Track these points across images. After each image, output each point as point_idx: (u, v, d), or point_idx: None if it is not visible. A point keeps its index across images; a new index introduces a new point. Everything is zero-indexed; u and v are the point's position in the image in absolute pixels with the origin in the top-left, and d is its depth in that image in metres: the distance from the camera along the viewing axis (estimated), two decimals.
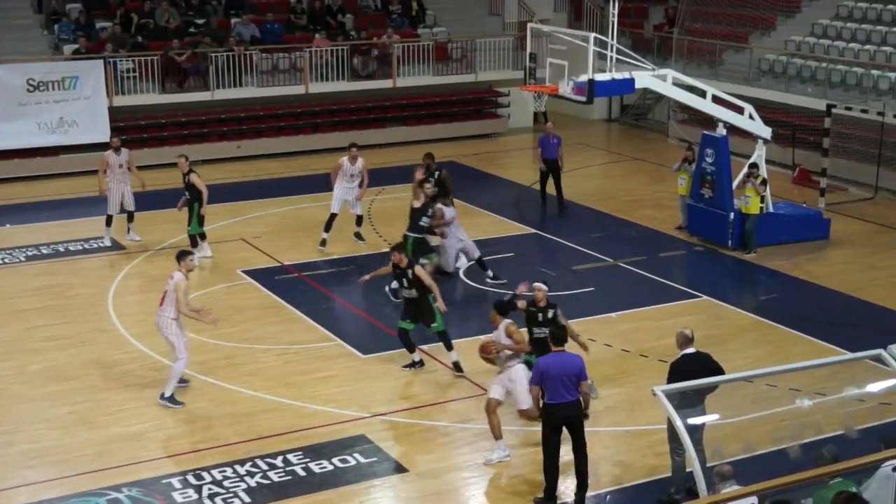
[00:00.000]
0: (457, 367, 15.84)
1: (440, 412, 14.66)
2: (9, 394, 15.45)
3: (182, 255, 15.21)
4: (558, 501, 12.36)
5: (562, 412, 12.08)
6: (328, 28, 31.15)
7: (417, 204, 18.69)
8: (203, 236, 20.72)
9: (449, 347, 15.89)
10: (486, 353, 13.76)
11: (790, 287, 19.74)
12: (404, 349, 15.98)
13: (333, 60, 30.04)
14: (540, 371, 12.12)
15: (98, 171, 21.93)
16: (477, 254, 19.70)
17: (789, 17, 31.62)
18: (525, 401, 13.15)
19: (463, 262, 20.15)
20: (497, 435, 13.28)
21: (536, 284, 14.42)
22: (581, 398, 12.30)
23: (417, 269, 15.72)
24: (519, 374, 13.31)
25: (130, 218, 21.88)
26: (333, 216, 21.12)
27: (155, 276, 19.72)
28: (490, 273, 19.55)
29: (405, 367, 16.01)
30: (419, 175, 19.44)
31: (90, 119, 27.25)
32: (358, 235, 21.60)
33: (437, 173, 20.18)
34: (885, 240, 22.48)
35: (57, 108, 27.08)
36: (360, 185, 21.13)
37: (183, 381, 15.28)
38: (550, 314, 14.10)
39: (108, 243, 21.74)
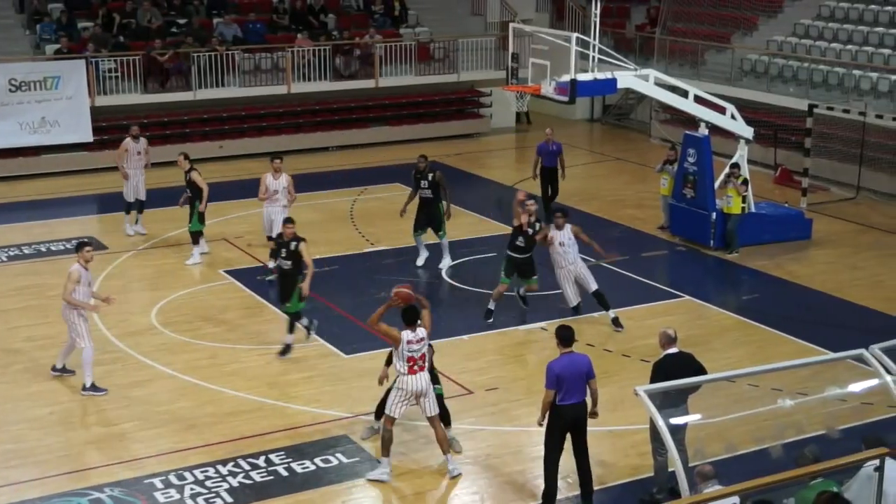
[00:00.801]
0: (286, 349, 16.39)
1: (421, 412, 14.64)
2: None
3: (79, 247, 15.43)
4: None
5: (572, 413, 12.01)
6: (310, 28, 31.11)
7: (516, 223, 17.50)
8: (201, 234, 20.79)
9: (290, 330, 16.41)
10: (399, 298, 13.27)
11: (772, 287, 19.79)
12: (385, 349, 15.96)
13: (316, 60, 30.02)
14: (556, 374, 11.93)
15: (117, 157, 22.75)
16: (593, 287, 17.69)
17: (771, 17, 31.73)
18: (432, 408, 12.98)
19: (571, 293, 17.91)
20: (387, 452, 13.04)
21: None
22: (590, 397, 12.17)
23: (301, 245, 16.29)
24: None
25: (140, 209, 22.36)
26: (270, 239, 19.00)
27: (137, 275, 19.74)
28: (613, 317, 17.54)
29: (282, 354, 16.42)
30: (521, 196, 17.83)
31: (72, 119, 27.17)
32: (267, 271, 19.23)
33: (430, 175, 19.87)
34: (866, 240, 22.57)
35: (39, 108, 27.00)
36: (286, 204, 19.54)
37: (101, 388, 15.25)
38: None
39: (130, 233, 22.28)
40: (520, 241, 17.45)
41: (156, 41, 28.69)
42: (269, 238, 19.09)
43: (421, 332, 12.87)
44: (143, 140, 22.59)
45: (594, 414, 12.27)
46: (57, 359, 15.79)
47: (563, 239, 17.49)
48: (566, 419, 12.05)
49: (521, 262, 17.51)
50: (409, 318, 12.80)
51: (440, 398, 13.43)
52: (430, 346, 13.09)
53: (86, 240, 16.95)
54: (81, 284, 15.11)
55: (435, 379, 13.43)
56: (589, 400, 12.17)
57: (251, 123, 29.81)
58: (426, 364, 12.91)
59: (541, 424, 12.24)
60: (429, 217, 20.04)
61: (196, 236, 20.58)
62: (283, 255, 16.37)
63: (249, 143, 29.31)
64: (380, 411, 13.52)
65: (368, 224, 22.62)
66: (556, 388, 11.95)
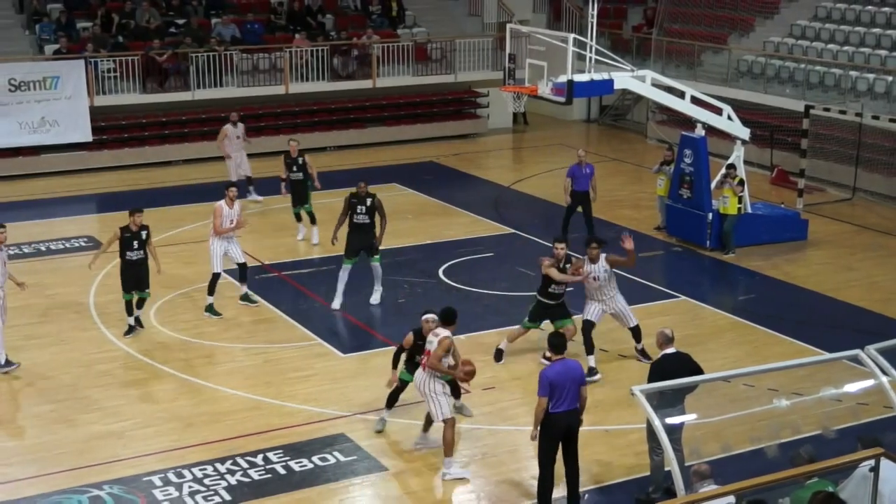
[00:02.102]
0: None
1: (419, 411, 14.63)
2: None
3: None
4: None
5: (566, 420, 11.89)
6: (308, 28, 31.13)
7: (544, 272, 15.88)
8: (302, 215, 21.96)
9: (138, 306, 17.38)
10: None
11: (768, 287, 19.81)
12: (382, 348, 16.00)
13: (313, 61, 30.04)
14: (549, 381, 11.78)
15: (217, 141, 24.66)
16: (632, 323, 16.35)
17: (768, 18, 31.74)
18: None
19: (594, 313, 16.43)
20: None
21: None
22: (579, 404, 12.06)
23: (377, 199, 17.73)
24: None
25: (250, 181, 24.39)
26: (217, 276, 18.31)
27: None
28: (640, 347, 16.39)
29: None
30: (545, 262, 15.95)
31: (71, 119, 27.19)
32: (246, 297, 18.69)
33: (368, 200, 18.20)
34: (862, 241, 22.59)
35: (38, 107, 27.03)
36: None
37: (10, 363, 15.85)
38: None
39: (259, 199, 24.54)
40: (553, 289, 15.87)
41: (154, 41, 28.72)
42: (217, 275, 18.16)
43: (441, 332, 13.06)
44: (241, 125, 24.56)
45: (580, 420, 12.19)
46: None
47: (598, 273, 15.76)
48: (559, 427, 11.92)
49: (554, 307, 16.01)
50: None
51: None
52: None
53: None
54: None
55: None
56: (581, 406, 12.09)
57: (249, 123, 29.59)
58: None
59: (533, 438, 12.06)
60: (362, 242, 18.31)
61: (313, 216, 21.74)
62: (362, 211, 17.88)
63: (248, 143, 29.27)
64: (391, 401, 13.84)
65: None
66: (548, 396, 11.83)
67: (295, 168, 21.52)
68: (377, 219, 18.15)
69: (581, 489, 12.53)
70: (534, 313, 16.10)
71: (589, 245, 15.96)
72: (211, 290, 18.13)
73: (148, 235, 17.27)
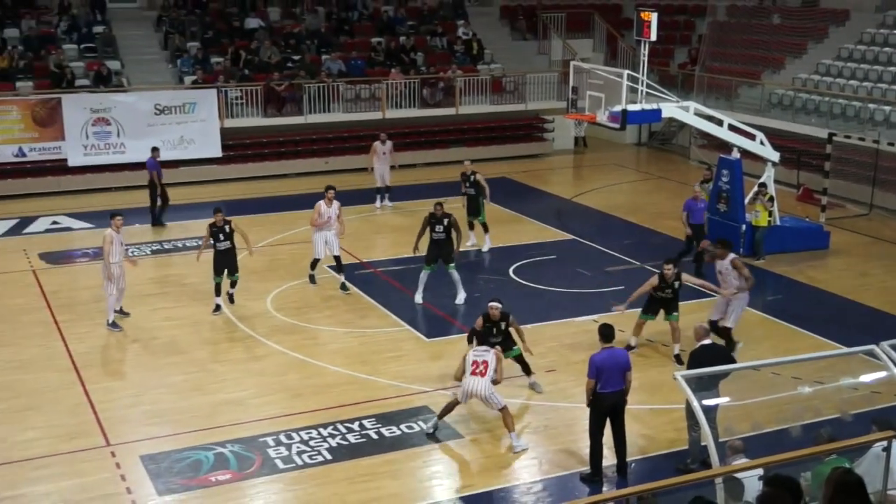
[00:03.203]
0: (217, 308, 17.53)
1: (478, 402, 14.60)
2: (135, 364, 15.66)
3: (112, 216, 16.84)
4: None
5: (611, 399, 11.88)
6: (402, 64, 31.19)
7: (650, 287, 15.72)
8: (475, 225, 21.67)
9: (232, 286, 17.84)
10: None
11: (794, 289, 19.43)
12: (460, 335, 15.97)
13: (406, 91, 30.09)
14: (596, 366, 11.82)
15: (369, 156, 25.24)
16: (728, 324, 15.79)
17: (797, 57, 31.18)
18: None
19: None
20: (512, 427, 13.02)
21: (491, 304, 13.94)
22: (624, 387, 12.01)
23: (234, 222, 17.51)
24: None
25: (387, 191, 25.11)
26: (317, 262, 19.03)
27: (254, 268, 19.85)
28: (737, 345, 15.71)
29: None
30: (667, 271, 15.53)
31: (205, 138, 27.51)
32: (343, 287, 18.80)
33: (445, 219, 17.92)
34: (877, 251, 22.07)
35: (178, 128, 27.33)
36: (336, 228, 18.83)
37: (116, 325, 16.82)
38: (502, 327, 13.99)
39: (378, 205, 24.98)
40: (667, 292, 15.60)
41: (274, 74, 28.95)
42: (317, 260, 18.79)
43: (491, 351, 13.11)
44: (389, 143, 25.04)
45: (625, 401, 12.08)
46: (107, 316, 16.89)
47: (721, 268, 15.70)
48: (605, 405, 11.91)
49: (669, 299, 15.74)
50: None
51: (518, 357, 14.22)
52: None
53: (116, 210, 17.74)
54: (115, 245, 16.49)
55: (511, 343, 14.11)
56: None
57: (352, 143, 29.90)
58: (487, 371, 12.86)
59: (588, 405, 12.07)
60: (440, 253, 18.08)
61: (486, 226, 21.45)
62: (440, 229, 17.84)
63: (351, 159, 29.37)
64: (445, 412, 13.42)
65: None
66: (596, 378, 11.81)
67: (468, 184, 21.35)
68: (453, 234, 18.07)
69: (628, 459, 12.40)
70: (647, 306, 15.87)
71: (717, 244, 16.12)
72: (312, 267, 19.10)
73: (231, 229, 17.63)
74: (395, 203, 25.17)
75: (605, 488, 12.00)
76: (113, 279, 16.66)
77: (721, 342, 14.63)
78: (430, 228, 18.09)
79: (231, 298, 17.95)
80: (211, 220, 17.76)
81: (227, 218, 17.82)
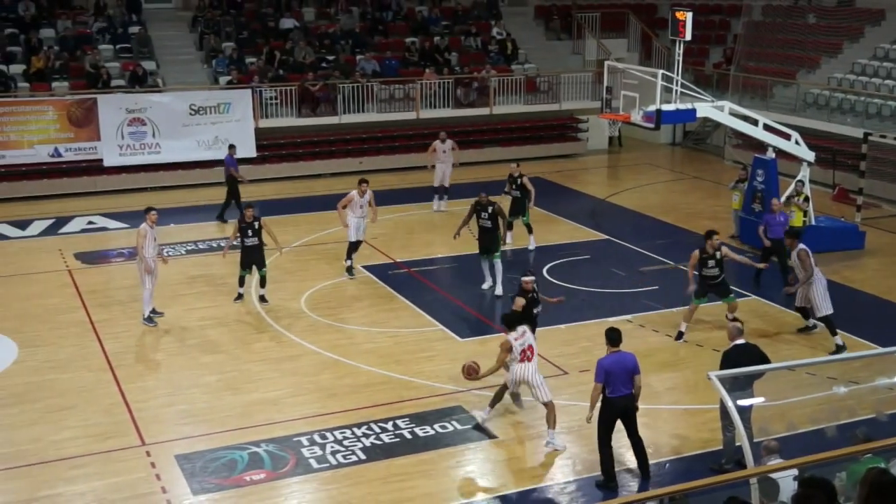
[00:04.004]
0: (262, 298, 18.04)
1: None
2: (170, 363, 15.76)
3: (146, 210, 16.98)
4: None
5: (621, 403, 11.83)
6: (436, 64, 31.23)
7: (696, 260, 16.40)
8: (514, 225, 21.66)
9: (262, 285, 18.18)
10: (470, 375, 13.43)
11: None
12: (493, 335, 15.97)
13: (440, 91, 30.13)
14: (605, 370, 11.80)
15: (428, 155, 25.15)
16: (821, 313, 16.12)
17: (832, 57, 30.92)
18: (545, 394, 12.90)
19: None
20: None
21: None
22: (634, 391, 11.93)
23: (263, 220, 17.83)
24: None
25: (445, 192, 24.77)
26: (354, 245, 19.72)
27: (287, 269, 19.96)
28: (838, 341, 15.88)
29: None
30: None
31: (240, 138, 27.54)
32: (349, 270, 19.67)
33: (490, 207, 18.43)
34: None
35: (213, 128, 27.50)
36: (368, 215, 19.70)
37: (152, 319, 17.06)
38: None
39: (435, 208, 24.86)
40: (711, 266, 16.17)
41: (309, 74, 29.07)
42: (353, 243, 19.60)
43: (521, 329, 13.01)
44: (449, 141, 24.82)
45: (636, 407, 12.02)
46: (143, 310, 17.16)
47: (792, 258, 16.42)
48: (615, 409, 11.85)
49: (718, 283, 16.26)
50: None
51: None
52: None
53: (151, 206, 17.74)
54: (147, 239, 16.67)
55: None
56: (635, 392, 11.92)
57: (386, 143, 30.01)
58: (534, 355, 12.92)
59: (588, 420, 11.98)
60: (487, 242, 18.64)
61: (530, 227, 21.50)
62: (485, 217, 18.25)
63: (385, 159, 29.52)
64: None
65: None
66: (604, 382, 11.77)
67: (514, 186, 21.40)
68: (499, 221, 18.57)
69: (662, 459, 12.37)
70: (700, 291, 16.33)
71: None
72: (348, 255, 19.64)
73: (260, 226, 17.93)
74: (431, 203, 25.06)
75: (637, 489, 11.96)
76: (150, 273, 16.85)
77: (748, 341, 14.53)
78: (477, 216, 18.61)
79: (263, 298, 18.08)
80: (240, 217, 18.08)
81: (257, 216, 18.05)
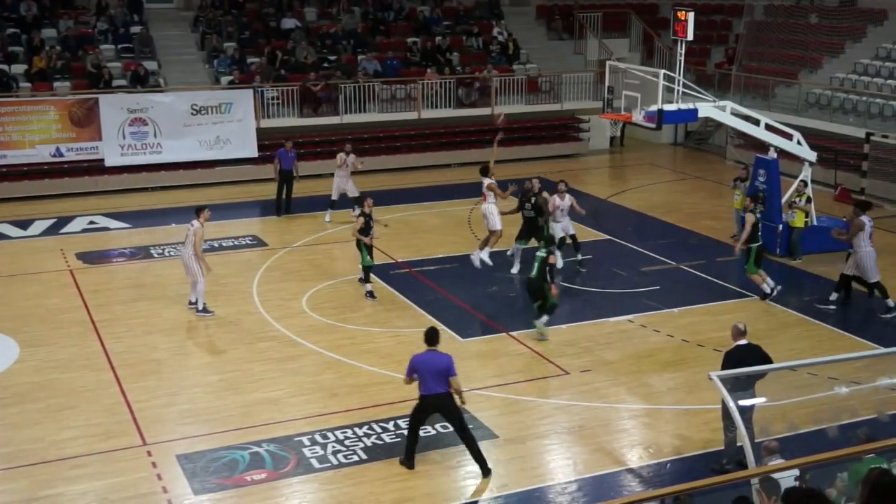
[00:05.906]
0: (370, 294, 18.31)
1: (526, 388, 14.61)
2: (171, 363, 15.76)
3: (201, 209, 17.69)
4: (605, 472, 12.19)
5: (432, 402, 12.11)
6: (438, 64, 31.23)
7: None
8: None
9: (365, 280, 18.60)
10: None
11: (830, 290, 19.23)
12: (495, 334, 15.95)
13: (442, 91, 30.13)
14: (411, 366, 12.16)
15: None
16: (871, 279, 17.88)
17: (834, 56, 30.92)
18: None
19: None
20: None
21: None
22: (453, 391, 12.10)
23: (358, 221, 18.21)
24: None
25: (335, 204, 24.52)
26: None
27: (291, 269, 19.97)
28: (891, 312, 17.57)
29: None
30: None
31: (241, 138, 27.67)
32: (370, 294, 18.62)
33: (533, 198, 19.45)
34: None
35: (214, 128, 27.52)
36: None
37: (207, 310, 17.53)
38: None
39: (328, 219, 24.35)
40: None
41: (310, 74, 29.07)
42: (334, 201, 22.29)
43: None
44: (352, 155, 23.84)
45: (454, 405, 12.14)
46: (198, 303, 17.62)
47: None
48: (426, 405, 12.16)
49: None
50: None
51: (553, 307, 15.75)
52: None
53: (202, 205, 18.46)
54: (199, 238, 17.34)
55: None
56: (454, 392, 12.09)
57: (387, 143, 30.01)
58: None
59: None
60: (530, 230, 19.58)
61: (554, 240, 20.62)
62: (529, 207, 19.08)
63: (386, 159, 29.50)
64: None
65: (483, 229, 22.53)
66: (413, 378, 12.14)
67: (529, 205, 19.83)
68: (543, 216, 19.39)
69: (663, 459, 12.36)
70: (758, 258, 18.00)
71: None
72: (331, 206, 23.06)
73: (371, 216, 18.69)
74: (427, 203, 25.06)
75: (638, 489, 11.97)
76: (210, 269, 17.56)
77: (751, 341, 14.52)
78: (521, 206, 19.47)
79: (371, 294, 18.53)
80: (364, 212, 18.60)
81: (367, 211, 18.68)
